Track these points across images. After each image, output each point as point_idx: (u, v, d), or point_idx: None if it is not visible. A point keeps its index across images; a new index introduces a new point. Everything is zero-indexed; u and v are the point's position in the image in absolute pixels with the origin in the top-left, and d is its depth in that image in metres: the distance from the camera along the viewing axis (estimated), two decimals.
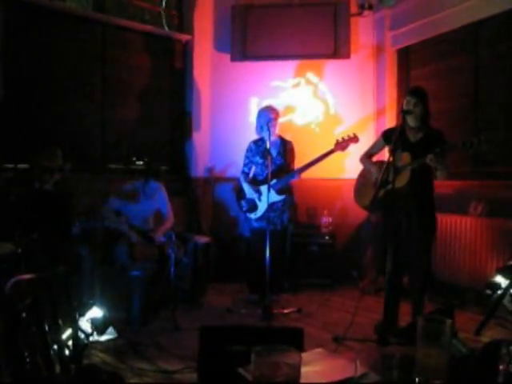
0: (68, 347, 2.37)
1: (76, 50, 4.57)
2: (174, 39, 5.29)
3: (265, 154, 4.01)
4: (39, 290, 2.19)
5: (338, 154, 4.07)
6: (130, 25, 4.90)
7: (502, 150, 4.04)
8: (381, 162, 3.50)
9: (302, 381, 0.98)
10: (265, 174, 4.03)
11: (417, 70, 4.99)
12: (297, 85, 5.22)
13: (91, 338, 2.97)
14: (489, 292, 3.54)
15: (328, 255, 4.75)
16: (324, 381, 1.12)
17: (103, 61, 4.76)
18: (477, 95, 4.33)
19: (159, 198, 4.02)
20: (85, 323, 2.96)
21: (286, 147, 4.18)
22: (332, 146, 4.01)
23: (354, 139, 4.02)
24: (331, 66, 5.18)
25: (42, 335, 2.02)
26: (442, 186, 3.95)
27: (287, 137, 4.33)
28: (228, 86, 5.29)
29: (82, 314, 2.96)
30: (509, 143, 3.99)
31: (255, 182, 4.17)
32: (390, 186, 3.01)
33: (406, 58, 5.10)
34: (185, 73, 5.37)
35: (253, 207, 4.12)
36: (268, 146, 3.87)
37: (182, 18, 5.39)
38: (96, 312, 3.05)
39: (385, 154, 3.77)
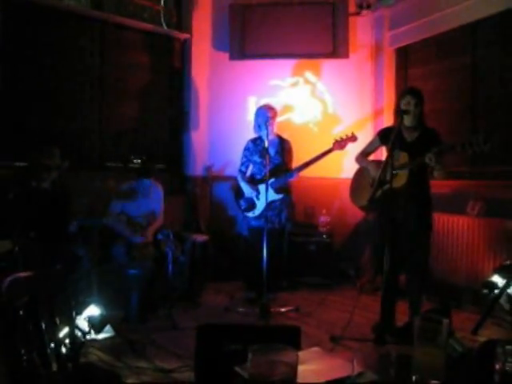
0: (65, 345, 2.37)
1: (74, 48, 4.55)
2: (172, 38, 5.28)
3: (263, 152, 4.01)
4: (36, 288, 2.19)
5: (336, 153, 4.07)
6: (128, 23, 4.89)
7: (500, 150, 4.05)
8: (378, 161, 3.51)
9: (298, 380, 0.99)
10: (263, 173, 4.03)
11: (415, 69, 4.99)
12: (295, 84, 5.22)
13: (88, 337, 2.97)
14: (486, 291, 3.55)
15: (326, 254, 4.75)
16: (321, 380, 1.12)
17: (101, 59, 4.74)
18: (475, 95, 4.33)
19: (155, 196, 4.01)
20: (82, 321, 2.96)
21: (283, 146, 4.18)
22: (330, 145, 4.02)
23: (353, 138, 4.02)
24: (329, 65, 5.18)
25: (39, 333, 2.02)
26: (440, 185, 3.95)
27: (285, 136, 4.33)
28: (226, 85, 5.29)
29: (80, 313, 2.96)
30: (506, 143, 4.00)
31: (253, 181, 4.17)
32: (387, 186, 3.02)
33: (405, 58, 5.11)
34: (183, 71, 5.36)
35: (251, 206, 4.13)
36: (266, 144, 3.87)
37: (181, 17, 5.38)
38: (93, 310, 3.05)
39: (382, 153, 3.78)
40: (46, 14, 4.34)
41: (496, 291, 3.40)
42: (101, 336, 3.07)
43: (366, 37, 5.18)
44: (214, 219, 5.17)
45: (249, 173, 4.25)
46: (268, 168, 3.80)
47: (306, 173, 4.09)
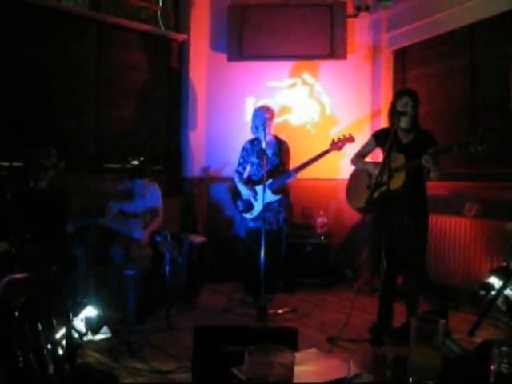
0: (62, 346, 2.37)
1: (72, 49, 4.55)
2: (170, 39, 5.28)
3: (260, 153, 4.02)
4: (33, 289, 2.19)
5: (333, 154, 4.08)
6: (126, 24, 4.89)
7: (497, 151, 4.06)
8: (375, 162, 3.51)
9: (295, 381, 0.98)
10: (260, 174, 4.03)
11: (413, 71, 5.01)
12: (293, 85, 5.23)
13: (85, 338, 2.96)
14: (482, 293, 3.56)
15: (323, 255, 4.76)
16: (317, 381, 1.12)
17: (99, 60, 4.74)
18: (472, 97, 4.34)
19: (152, 196, 4.01)
20: (79, 322, 2.95)
21: (281, 147, 4.18)
22: (328, 146, 4.03)
23: (350, 139, 4.03)
24: (327, 66, 5.18)
25: (36, 334, 2.02)
26: (437, 187, 3.97)
27: (283, 137, 4.34)
28: (224, 86, 5.29)
29: (76, 314, 2.95)
30: (504, 145, 4.01)
31: (250, 182, 4.17)
32: (385, 187, 3.02)
33: (402, 59, 5.12)
34: (181, 72, 5.36)
35: (249, 207, 4.13)
36: (264, 145, 3.87)
37: (179, 18, 5.38)
38: (90, 311, 3.04)
39: (378, 155, 3.78)
40: (43, 15, 4.34)
41: (493, 292, 3.41)
42: (98, 337, 3.06)
43: (364, 38, 5.20)
44: (211, 220, 5.17)
45: (246, 174, 4.25)
46: (265, 169, 3.81)
47: (303, 174, 4.09)
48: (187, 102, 5.31)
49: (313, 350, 1.38)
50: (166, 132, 5.31)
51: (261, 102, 4.80)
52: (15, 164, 3.91)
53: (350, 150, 3.89)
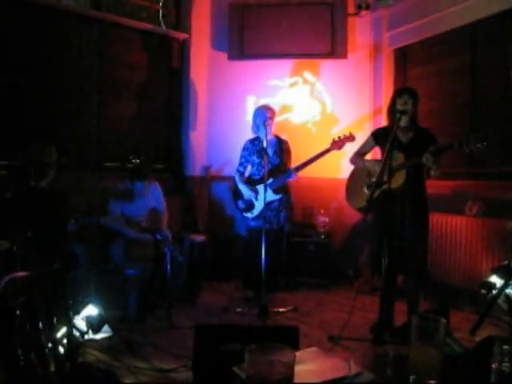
0: (63, 345, 2.37)
1: (72, 48, 4.55)
2: (171, 38, 5.27)
3: (261, 153, 4.01)
4: (34, 288, 2.19)
5: (334, 153, 4.08)
6: (127, 23, 4.88)
7: (498, 150, 4.05)
8: (374, 160, 3.51)
9: (295, 379, 0.98)
10: (261, 173, 4.03)
11: (414, 69, 5.00)
12: (294, 84, 5.22)
13: (86, 337, 2.97)
14: (484, 292, 3.55)
15: (324, 255, 4.75)
16: (318, 380, 1.12)
17: (100, 59, 4.74)
18: (473, 95, 4.34)
19: (152, 195, 4.01)
20: (80, 321, 2.95)
21: (282, 146, 4.18)
22: (328, 145, 4.02)
23: (351, 138, 4.03)
24: (328, 65, 5.18)
25: (37, 333, 2.02)
26: (438, 186, 3.96)
27: (284, 136, 4.33)
28: (225, 85, 5.28)
29: (77, 312, 2.95)
30: (505, 143, 4.01)
31: (251, 182, 4.17)
32: (386, 186, 3.02)
33: (403, 58, 5.11)
34: (182, 71, 5.36)
35: (250, 206, 4.13)
36: (265, 145, 3.86)
37: (180, 17, 5.37)
38: (91, 310, 3.04)
39: (377, 154, 3.78)
40: (44, 14, 4.33)
41: (494, 291, 3.40)
42: (99, 336, 3.06)
43: (365, 37, 5.19)
44: (212, 219, 5.17)
45: (247, 173, 4.25)
46: (266, 168, 3.80)
47: (304, 173, 4.09)
48: (188, 101, 5.31)
49: (314, 348, 1.38)
50: (166, 131, 5.31)
51: (262, 101, 4.80)
52: (15, 163, 3.91)
53: (351, 148, 3.88)
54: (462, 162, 4.30)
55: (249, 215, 4.14)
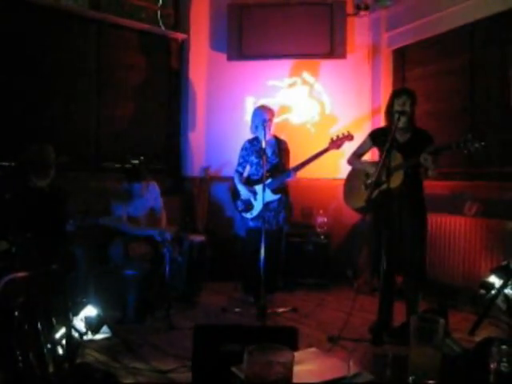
0: (62, 346, 2.37)
1: (71, 48, 4.55)
2: (169, 38, 5.27)
3: (260, 153, 4.01)
4: (33, 289, 2.19)
5: (333, 153, 4.07)
6: (125, 23, 4.88)
7: (497, 150, 4.06)
8: (372, 162, 3.51)
9: (294, 380, 0.98)
10: (260, 174, 4.03)
11: (412, 70, 5.00)
12: (293, 84, 5.22)
13: (85, 337, 2.96)
14: (483, 292, 3.55)
15: (323, 255, 4.75)
16: (317, 380, 1.12)
17: (98, 59, 4.74)
18: (472, 96, 4.34)
19: (151, 195, 4.01)
20: (79, 322, 2.95)
21: (280, 147, 4.18)
22: (327, 145, 4.02)
23: (349, 137, 4.02)
24: (327, 65, 5.18)
25: (36, 334, 2.02)
26: (437, 186, 3.97)
27: (283, 136, 4.34)
28: (224, 86, 5.28)
29: (76, 313, 2.95)
30: (504, 144, 4.01)
31: (250, 182, 4.17)
32: (384, 186, 3.02)
33: (402, 59, 5.12)
34: (181, 72, 5.36)
35: (248, 207, 4.12)
36: (263, 145, 3.86)
37: (178, 17, 5.37)
38: (90, 311, 3.04)
39: (375, 155, 3.78)
40: (42, 14, 4.33)
41: (493, 292, 3.41)
42: (98, 336, 3.06)
43: (364, 37, 5.19)
44: (211, 220, 5.16)
45: (246, 173, 4.25)
46: (265, 168, 3.80)
47: (303, 173, 4.09)
48: (187, 102, 5.31)
49: (312, 349, 1.38)
50: (165, 131, 5.31)
51: (261, 102, 4.80)
52: (14, 164, 3.91)
53: (349, 148, 3.88)
54: (460, 163, 4.30)
55: (248, 216, 4.14)
